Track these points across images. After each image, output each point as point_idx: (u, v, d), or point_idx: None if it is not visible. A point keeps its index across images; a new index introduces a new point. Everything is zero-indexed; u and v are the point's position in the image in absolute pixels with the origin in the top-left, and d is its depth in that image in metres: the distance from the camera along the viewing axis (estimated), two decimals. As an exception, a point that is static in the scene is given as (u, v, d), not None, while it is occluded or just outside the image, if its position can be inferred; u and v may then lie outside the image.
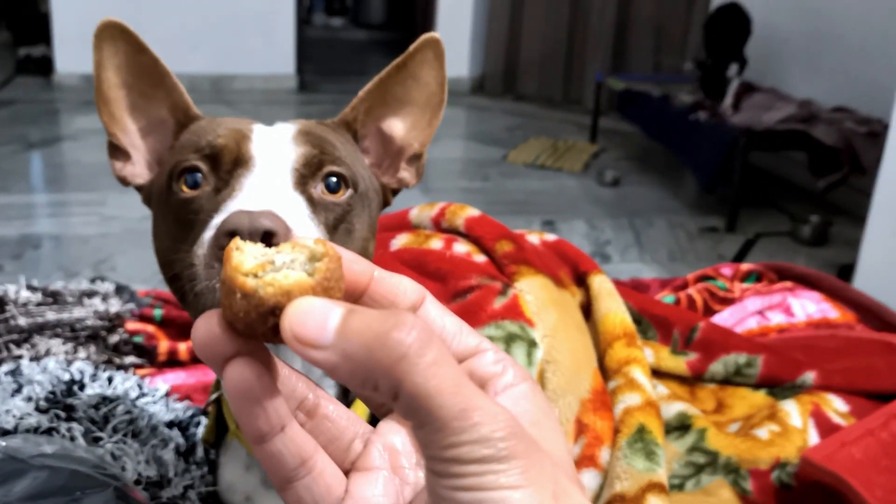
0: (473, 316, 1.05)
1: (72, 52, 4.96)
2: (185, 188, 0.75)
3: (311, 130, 0.81)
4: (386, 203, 0.92)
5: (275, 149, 0.76)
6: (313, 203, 0.75)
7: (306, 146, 0.77)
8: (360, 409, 0.79)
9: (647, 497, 0.97)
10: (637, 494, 0.98)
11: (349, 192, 0.78)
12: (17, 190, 3.19)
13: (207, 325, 0.36)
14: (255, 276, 0.34)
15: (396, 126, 0.91)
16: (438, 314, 0.40)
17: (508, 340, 1.04)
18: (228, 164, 0.75)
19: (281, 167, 0.75)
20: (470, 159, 4.05)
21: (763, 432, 1.14)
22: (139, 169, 0.89)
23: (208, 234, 0.66)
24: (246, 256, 0.35)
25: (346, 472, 0.41)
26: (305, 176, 0.76)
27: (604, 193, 3.57)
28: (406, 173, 0.92)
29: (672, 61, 5.14)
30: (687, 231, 3.16)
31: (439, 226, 1.24)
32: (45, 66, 5.13)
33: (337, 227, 0.76)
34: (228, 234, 0.61)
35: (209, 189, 0.75)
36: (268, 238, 0.61)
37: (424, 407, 0.32)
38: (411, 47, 0.86)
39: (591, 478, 1.02)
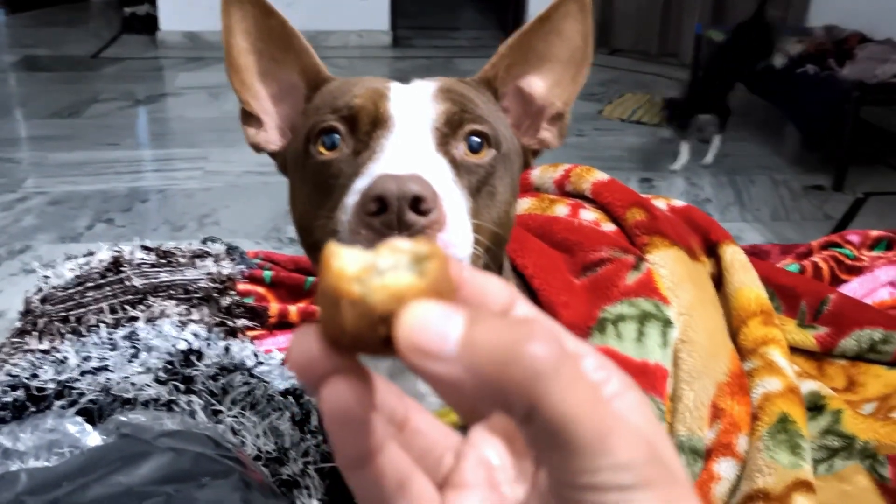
0: (605, 292, 1.01)
1: (175, 11, 5.06)
2: (322, 150, 0.73)
3: (452, 87, 0.78)
4: (527, 165, 0.88)
5: (414, 107, 0.73)
6: (456, 165, 0.72)
7: (447, 103, 0.74)
8: (448, 417, 0.75)
9: (793, 497, 0.92)
10: (783, 493, 0.92)
11: (492, 152, 0.75)
12: (126, 145, 3.29)
13: (305, 343, 0.32)
14: (360, 281, 0.31)
15: (537, 84, 0.87)
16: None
17: (642, 319, 0.99)
18: (367, 125, 0.72)
19: (421, 126, 0.72)
20: (564, 114, 3.98)
21: (904, 416, 1.07)
22: (272, 135, 0.88)
23: (352, 199, 0.64)
24: (346, 261, 0.31)
25: (438, 487, 0.37)
26: (447, 135, 0.73)
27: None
28: (548, 133, 0.88)
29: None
30: (791, 189, 3.04)
31: (563, 189, 1.20)
32: (149, 25, 5.25)
33: (480, 189, 0.73)
34: (375, 199, 0.59)
35: (348, 151, 0.73)
36: (416, 204, 0.59)
37: (561, 430, 0.29)
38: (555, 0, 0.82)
39: (728, 467, 0.98)
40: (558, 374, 0.29)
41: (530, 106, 0.87)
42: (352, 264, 0.31)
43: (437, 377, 0.30)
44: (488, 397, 0.30)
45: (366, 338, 0.30)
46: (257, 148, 0.88)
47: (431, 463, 0.37)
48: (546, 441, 0.30)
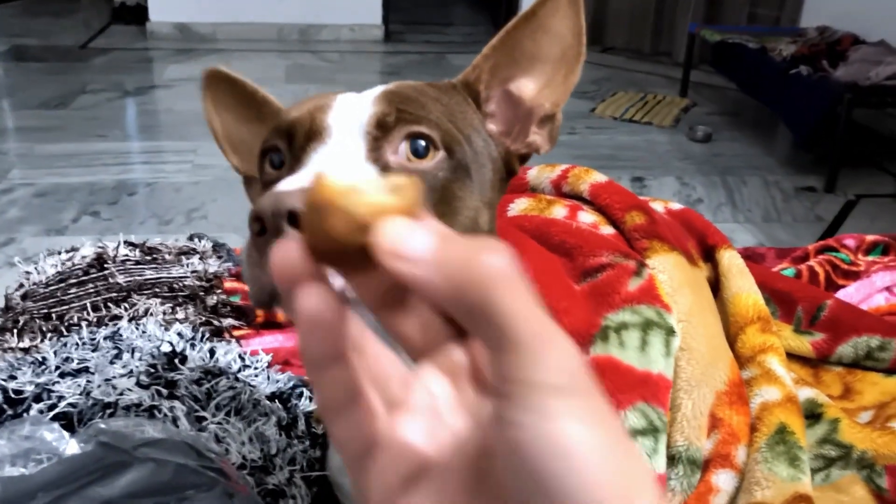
0: (606, 299, 0.99)
1: (165, 1, 5.01)
2: (269, 169, 0.73)
3: (399, 90, 0.74)
4: (511, 171, 0.82)
5: (351, 115, 0.70)
6: (389, 171, 0.67)
7: (381, 105, 0.70)
8: None
9: None
10: None
11: (439, 154, 0.70)
12: (114, 137, 3.25)
13: (287, 248, 0.36)
14: (345, 195, 0.35)
15: (526, 86, 0.81)
16: None
17: (645, 327, 0.97)
18: (302, 139, 0.70)
19: (354, 134, 0.69)
20: (556, 112, 3.97)
21: (902, 425, 1.05)
22: None
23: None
24: (335, 180, 0.35)
25: (387, 408, 0.41)
26: (378, 139, 0.68)
27: (695, 149, 3.46)
28: (537, 137, 0.82)
29: (768, 12, 4.91)
30: (782, 190, 3.04)
31: (560, 189, 1.17)
32: (139, 15, 5.21)
33: (429, 196, 0.68)
34: (255, 219, 0.54)
35: (288, 167, 0.71)
36: (294, 220, 0.53)
37: (507, 326, 0.32)
38: None
39: (726, 479, 0.96)
40: (510, 280, 0.33)
41: (519, 108, 0.82)
42: (340, 184, 0.35)
43: (410, 278, 0.34)
44: (452, 298, 0.34)
45: (347, 244, 0.34)
46: None
47: (381, 386, 0.41)
48: (492, 338, 0.33)
